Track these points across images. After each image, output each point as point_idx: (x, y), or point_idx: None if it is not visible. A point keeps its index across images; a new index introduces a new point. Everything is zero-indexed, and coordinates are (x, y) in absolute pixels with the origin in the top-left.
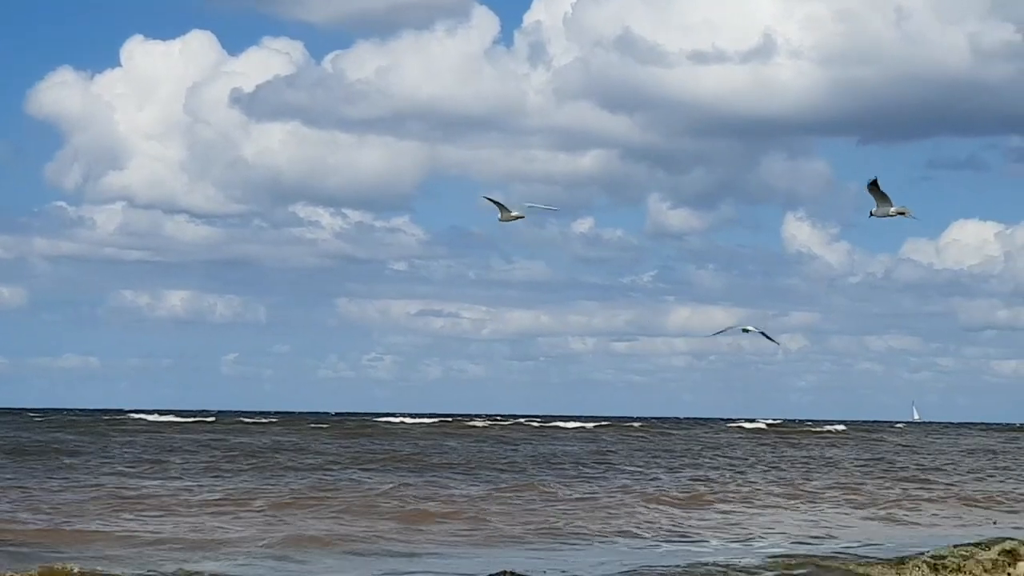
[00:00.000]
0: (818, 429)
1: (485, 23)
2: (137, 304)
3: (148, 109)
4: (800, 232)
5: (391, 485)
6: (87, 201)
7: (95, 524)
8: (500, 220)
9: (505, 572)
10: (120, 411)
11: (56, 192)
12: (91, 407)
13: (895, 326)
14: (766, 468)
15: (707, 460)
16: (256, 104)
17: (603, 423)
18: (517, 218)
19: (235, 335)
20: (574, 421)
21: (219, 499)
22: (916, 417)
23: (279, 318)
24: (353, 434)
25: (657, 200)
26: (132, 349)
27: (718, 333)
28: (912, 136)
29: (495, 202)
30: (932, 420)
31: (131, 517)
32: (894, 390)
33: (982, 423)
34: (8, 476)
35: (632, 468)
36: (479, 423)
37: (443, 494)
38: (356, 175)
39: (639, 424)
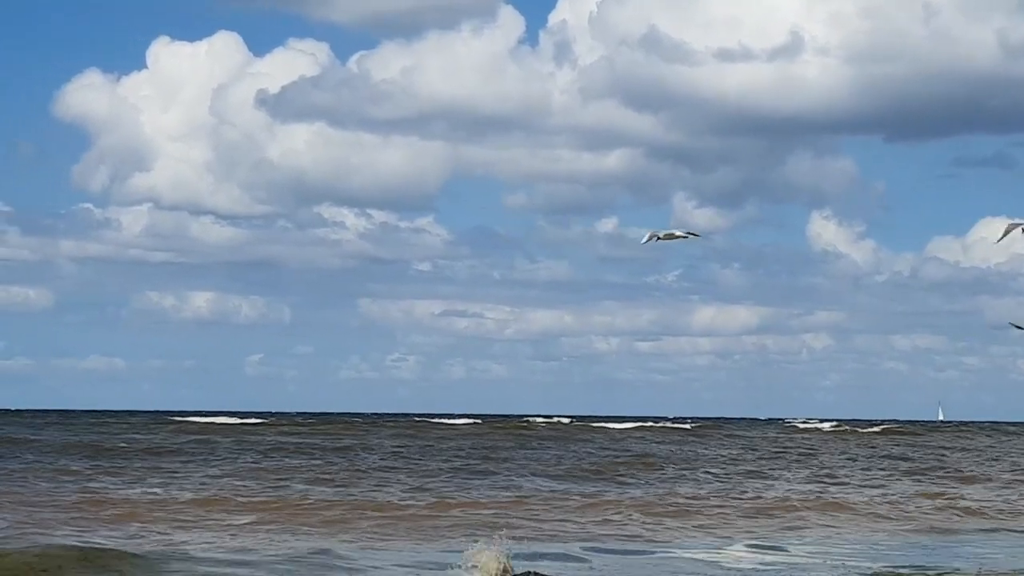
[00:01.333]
0: (864, 430)
1: (510, 23)
2: (162, 305)
3: (174, 111)
4: (825, 231)
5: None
6: (113, 203)
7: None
8: (659, 240)
9: (530, 573)
10: (162, 412)
11: (82, 194)
12: (116, 408)
13: (921, 325)
14: (898, 472)
15: (837, 464)
16: (281, 105)
17: (645, 423)
18: (679, 237)
19: (259, 336)
20: (614, 422)
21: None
22: (941, 416)
23: (303, 319)
24: (439, 435)
25: (682, 199)
26: (156, 350)
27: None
28: (938, 133)
29: (652, 237)
30: (955, 419)
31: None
32: (919, 389)
33: (1013, 423)
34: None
35: (771, 472)
36: (524, 423)
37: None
38: (381, 175)
39: (691, 425)
